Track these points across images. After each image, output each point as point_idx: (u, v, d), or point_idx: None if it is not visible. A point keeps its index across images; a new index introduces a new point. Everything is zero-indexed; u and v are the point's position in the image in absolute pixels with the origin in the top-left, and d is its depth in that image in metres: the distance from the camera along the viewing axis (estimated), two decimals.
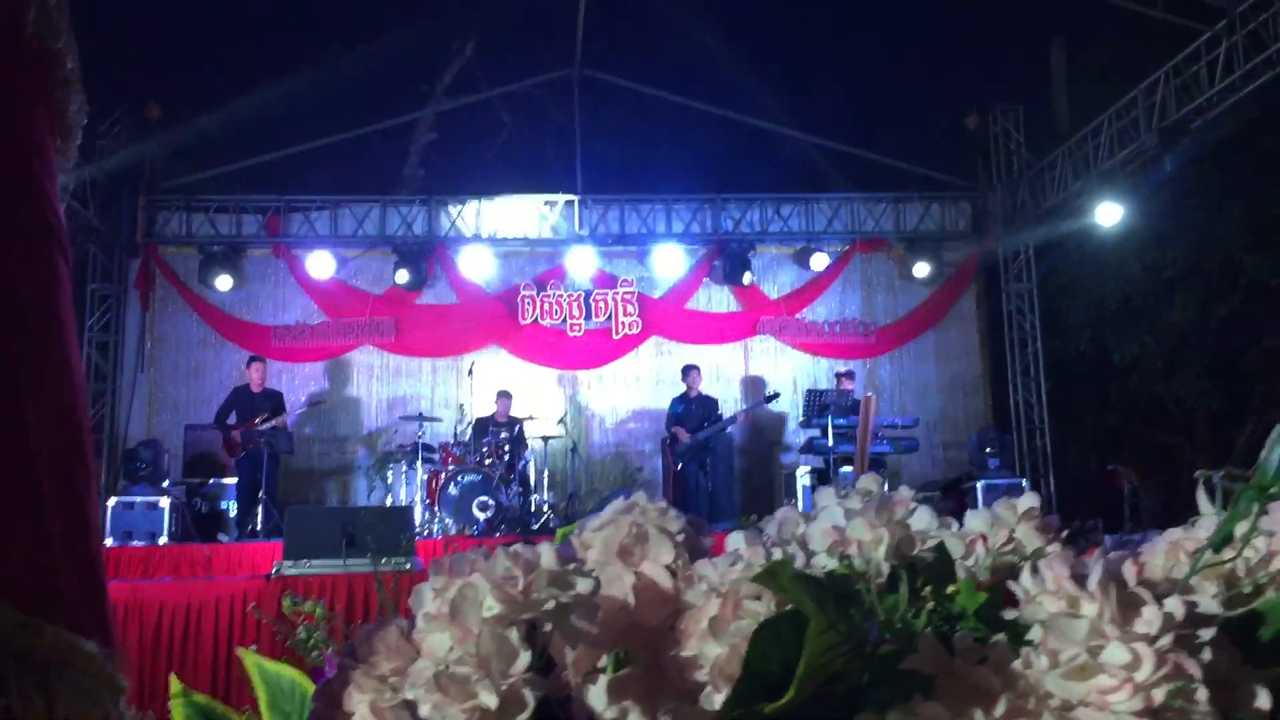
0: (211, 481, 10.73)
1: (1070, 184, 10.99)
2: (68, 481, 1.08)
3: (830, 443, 9.88)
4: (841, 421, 9.93)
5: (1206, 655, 0.56)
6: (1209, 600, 0.67)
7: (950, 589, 0.69)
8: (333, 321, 12.06)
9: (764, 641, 0.57)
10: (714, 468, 10.42)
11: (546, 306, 12.14)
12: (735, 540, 0.71)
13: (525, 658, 0.60)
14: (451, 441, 10.53)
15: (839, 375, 11.07)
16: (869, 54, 11.80)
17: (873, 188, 12.58)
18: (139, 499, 9.57)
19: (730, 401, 11.99)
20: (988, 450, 10.64)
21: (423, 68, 12.25)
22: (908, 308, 12.51)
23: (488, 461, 10.00)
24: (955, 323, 12.58)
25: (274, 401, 10.54)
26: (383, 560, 6.02)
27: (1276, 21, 8.14)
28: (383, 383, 12.12)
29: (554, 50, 11.83)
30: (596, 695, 0.66)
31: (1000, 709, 0.56)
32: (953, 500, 10.80)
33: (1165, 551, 0.83)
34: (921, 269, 12.20)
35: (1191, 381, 12.94)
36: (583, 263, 11.87)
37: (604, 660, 0.69)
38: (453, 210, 12.24)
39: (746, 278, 11.99)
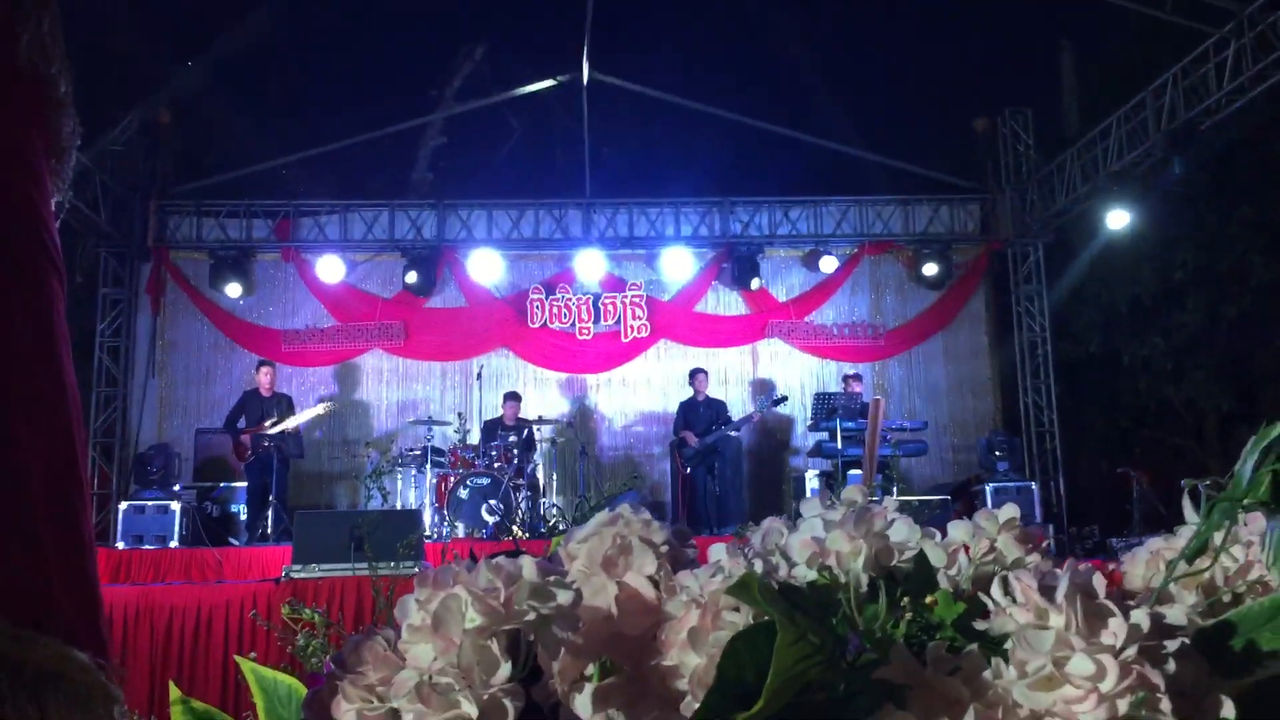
0: (222, 485, 10.77)
1: (1079, 186, 10.97)
2: (62, 497, 1.10)
3: (839, 446, 9.87)
4: (850, 425, 9.93)
5: (1171, 666, 0.57)
6: (1180, 611, 0.68)
7: (929, 599, 0.70)
8: (342, 326, 12.11)
9: (737, 652, 0.58)
10: (722, 471, 10.42)
11: (555, 310, 12.17)
12: (717, 551, 0.72)
13: (506, 668, 0.61)
14: (460, 445, 10.55)
15: (847, 378, 11.07)
16: (878, 57, 11.82)
17: (881, 190, 12.59)
18: (150, 503, 9.62)
19: (739, 404, 11.99)
20: (996, 453, 10.62)
21: (432, 72, 12.29)
22: (917, 310, 12.50)
23: (497, 465, 10.02)
24: (964, 325, 12.56)
25: (283, 406, 10.57)
26: (391, 564, 6.05)
27: None
28: (392, 386, 12.17)
29: (562, 54, 11.85)
30: (582, 703, 0.68)
31: (969, 719, 0.57)
32: (962, 503, 10.78)
33: (1145, 560, 0.84)
34: (930, 271, 12.19)
35: (1201, 384, 12.89)
36: (591, 266, 11.89)
37: (590, 669, 0.71)
38: (462, 214, 12.28)
39: (755, 281, 11.99)
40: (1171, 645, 0.57)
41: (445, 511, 9.79)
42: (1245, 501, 0.68)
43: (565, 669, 0.69)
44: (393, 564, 6.03)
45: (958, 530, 0.81)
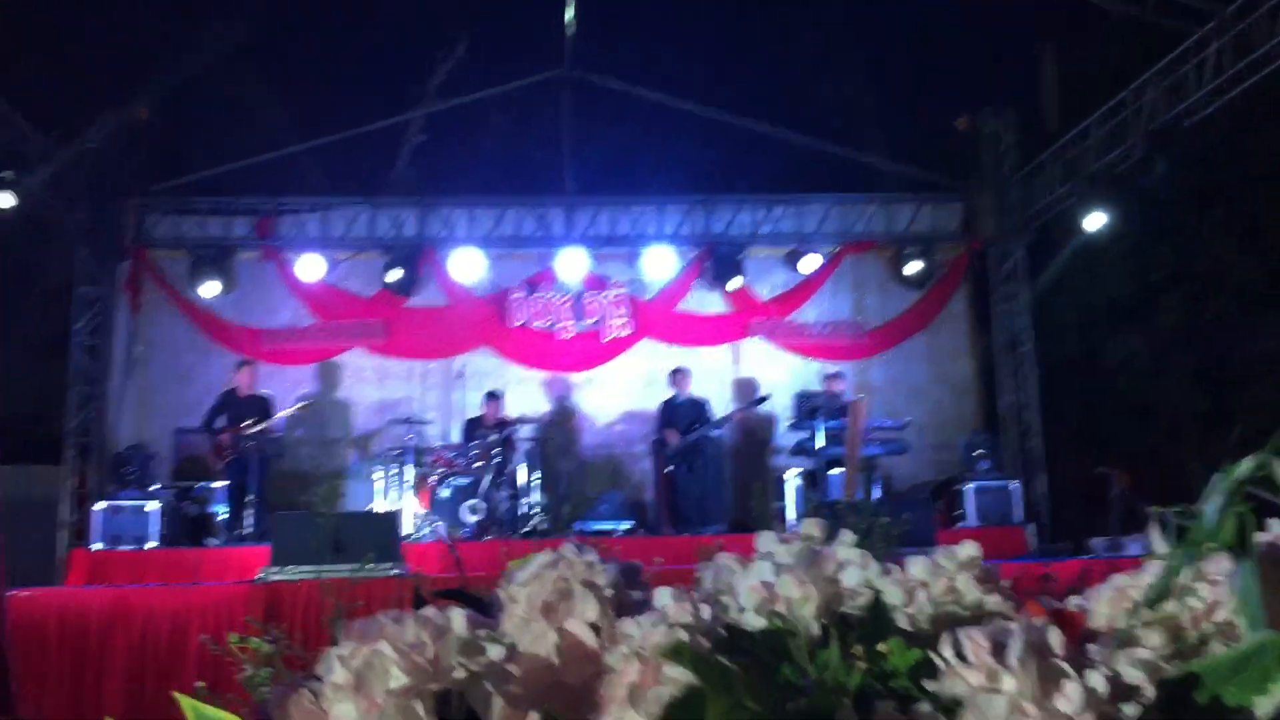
0: (200, 485, 10.69)
1: (1059, 186, 10.98)
2: None
3: (820, 445, 9.86)
4: (832, 424, 9.93)
5: None
6: (1144, 655, 0.66)
7: (883, 647, 0.67)
8: (323, 324, 12.04)
9: None
10: (704, 470, 10.41)
11: (537, 309, 12.13)
12: (663, 597, 0.69)
13: None
14: (441, 444, 10.50)
15: (828, 377, 11.07)
16: (859, 55, 11.75)
17: (863, 189, 12.58)
18: (127, 503, 9.55)
19: (721, 403, 11.95)
20: (978, 452, 10.63)
21: (413, 68, 12.19)
22: (899, 309, 12.51)
23: (477, 465, 9.98)
24: (946, 324, 12.57)
25: (262, 406, 10.50)
26: (370, 566, 6.01)
27: (1264, 24, 8.14)
28: (373, 385, 12.10)
29: (544, 51, 11.80)
30: None
31: None
32: (944, 503, 10.80)
33: (1110, 599, 0.82)
34: (912, 270, 12.20)
35: (1179, 385, 12.92)
36: (573, 265, 11.84)
37: (532, 718, 0.68)
38: (443, 212, 12.22)
39: (734, 281, 11.97)
40: (1131, 710, 0.54)
41: (427, 511, 9.75)
42: (1209, 545, 0.66)
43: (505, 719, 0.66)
44: (371, 566, 5.99)
45: (916, 568, 0.78)
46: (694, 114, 12.08)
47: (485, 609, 0.74)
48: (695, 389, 11.40)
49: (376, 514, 8.86)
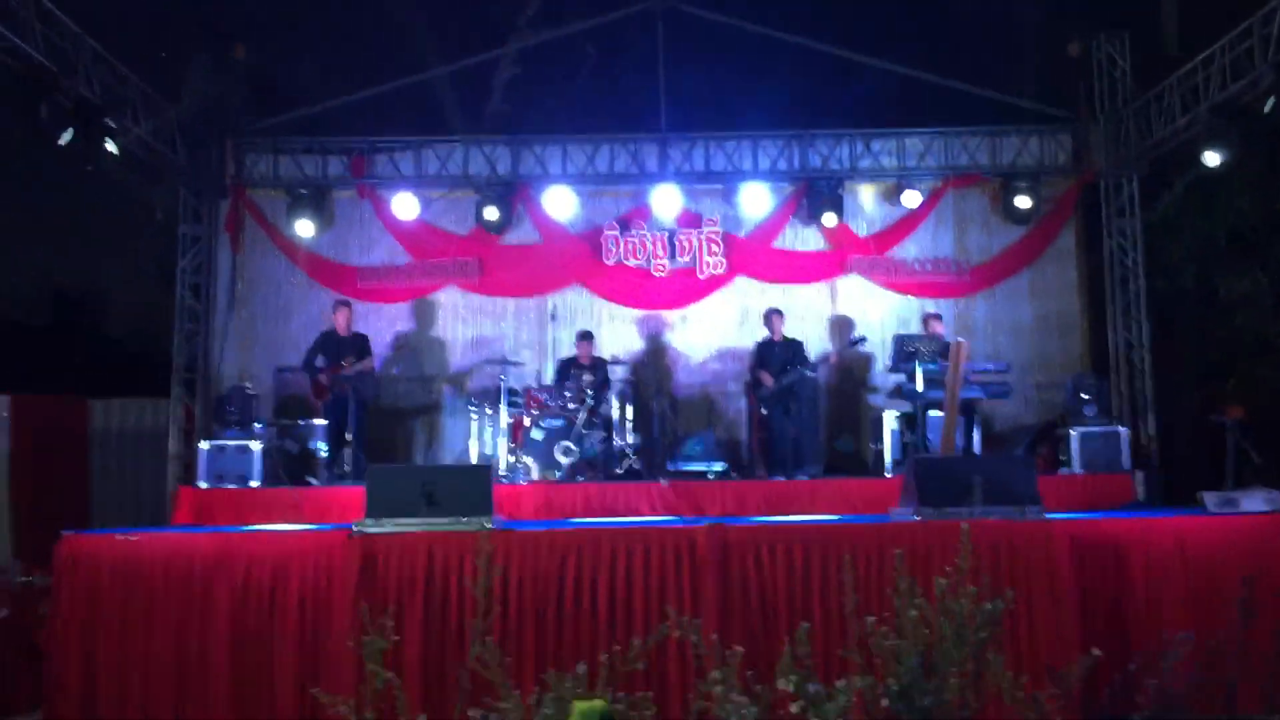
0: (301, 422, 10.91)
1: (1178, 117, 10.42)
2: None
3: (919, 388, 9.64)
4: (931, 367, 9.69)
5: None
6: None
7: None
8: (418, 262, 12.10)
9: None
10: (798, 412, 10.26)
11: (630, 246, 12.01)
12: None
13: None
14: (535, 385, 10.53)
15: (927, 317, 10.80)
16: None
17: (968, 120, 12.12)
18: (230, 443, 9.77)
19: (817, 341, 11.80)
20: (1084, 395, 10.29)
21: (506, 2, 12.05)
22: (1003, 245, 12.10)
23: (571, 405, 9.99)
24: (1053, 260, 12.13)
25: (359, 346, 10.64)
26: (463, 519, 6.05)
27: None
28: (467, 323, 12.17)
29: None
30: None
31: None
32: (1047, 448, 10.52)
33: None
34: (1018, 205, 11.78)
35: None
36: (667, 202, 11.67)
37: None
38: (536, 149, 12.13)
39: (829, 217, 11.69)
40: None
41: (520, 452, 9.80)
42: None
43: None
44: (464, 519, 6.03)
45: None
46: (791, 44, 11.73)
47: None
48: (791, 326, 11.25)
49: (469, 466, 8.94)
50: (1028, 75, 12.13)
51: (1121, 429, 10.20)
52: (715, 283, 12.04)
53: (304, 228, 11.87)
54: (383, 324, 11.98)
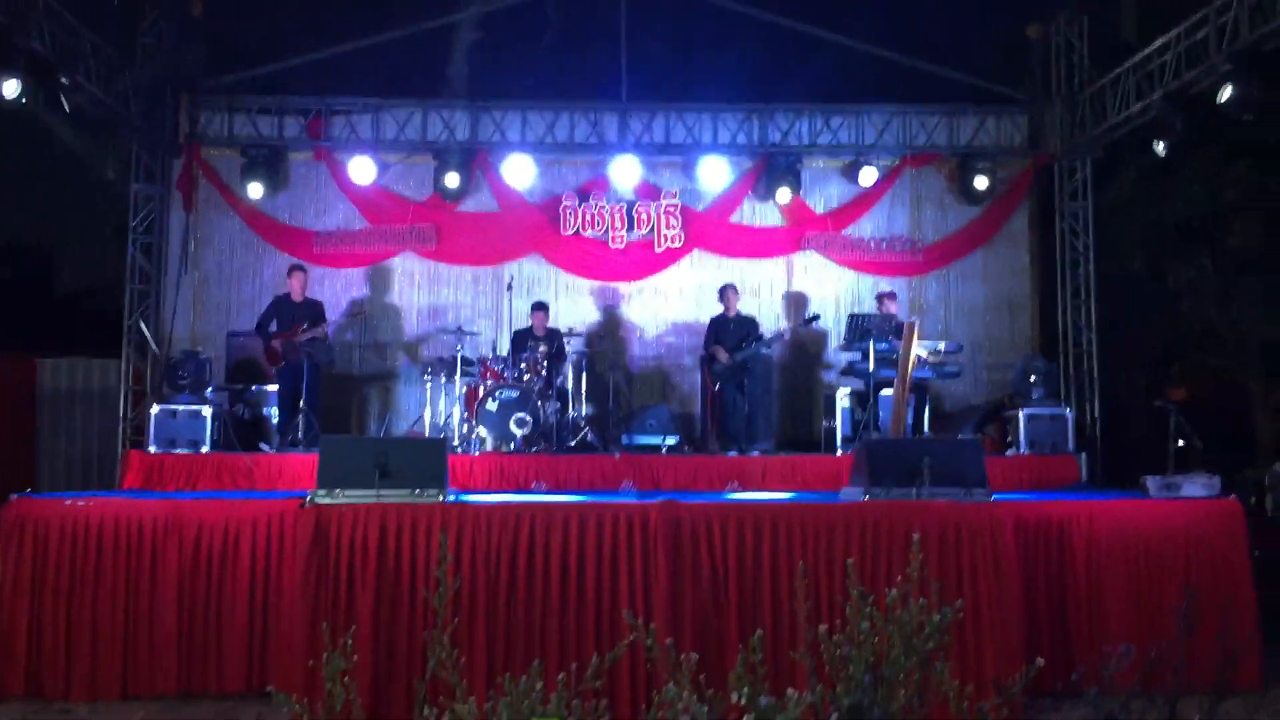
0: (254, 388, 10.83)
1: (1133, 102, 10.55)
2: None
3: (871, 367, 9.74)
4: (883, 346, 9.79)
5: None
6: None
7: None
8: (374, 228, 12.02)
9: None
10: (752, 389, 10.34)
11: (588, 217, 11.99)
12: None
13: None
14: (491, 356, 10.51)
15: (881, 297, 10.89)
16: None
17: (926, 99, 12.20)
18: (181, 408, 9.68)
19: (772, 317, 11.89)
20: (1032, 378, 10.45)
21: None
22: (957, 225, 12.24)
23: (526, 377, 9.99)
24: (1005, 241, 12.29)
25: (314, 311, 10.56)
26: (415, 491, 6.06)
27: None
28: (423, 291, 12.12)
29: None
30: None
31: None
32: (995, 428, 10.68)
33: None
34: (974, 185, 11.89)
35: (1248, 307, 12.59)
36: (626, 173, 11.67)
37: None
38: (495, 116, 12.06)
39: (785, 193, 11.76)
40: None
41: (474, 422, 9.80)
42: None
43: None
44: (416, 491, 6.04)
45: None
46: (753, 18, 11.67)
47: None
48: (747, 302, 11.33)
49: (424, 439, 8.93)
50: (987, 56, 12.17)
51: (1067, 410, 10.36)
52: (672, 256, 12.07)
53: (259, 189, 11.74)
54: (338, 289, 11.91)
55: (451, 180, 11.67)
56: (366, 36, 11.83)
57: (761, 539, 5.89)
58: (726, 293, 10.84)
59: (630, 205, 12.00)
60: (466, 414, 10.08)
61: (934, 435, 10.26)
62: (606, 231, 12.00)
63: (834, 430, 10.56)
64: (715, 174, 11.85)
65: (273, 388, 10.62)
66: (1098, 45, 11.80)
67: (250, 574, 6.39)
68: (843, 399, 10.56)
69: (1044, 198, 12.33)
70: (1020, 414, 10.07)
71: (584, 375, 10.80)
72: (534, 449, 9.60)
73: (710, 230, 12.11)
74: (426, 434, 10.30)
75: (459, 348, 10.36)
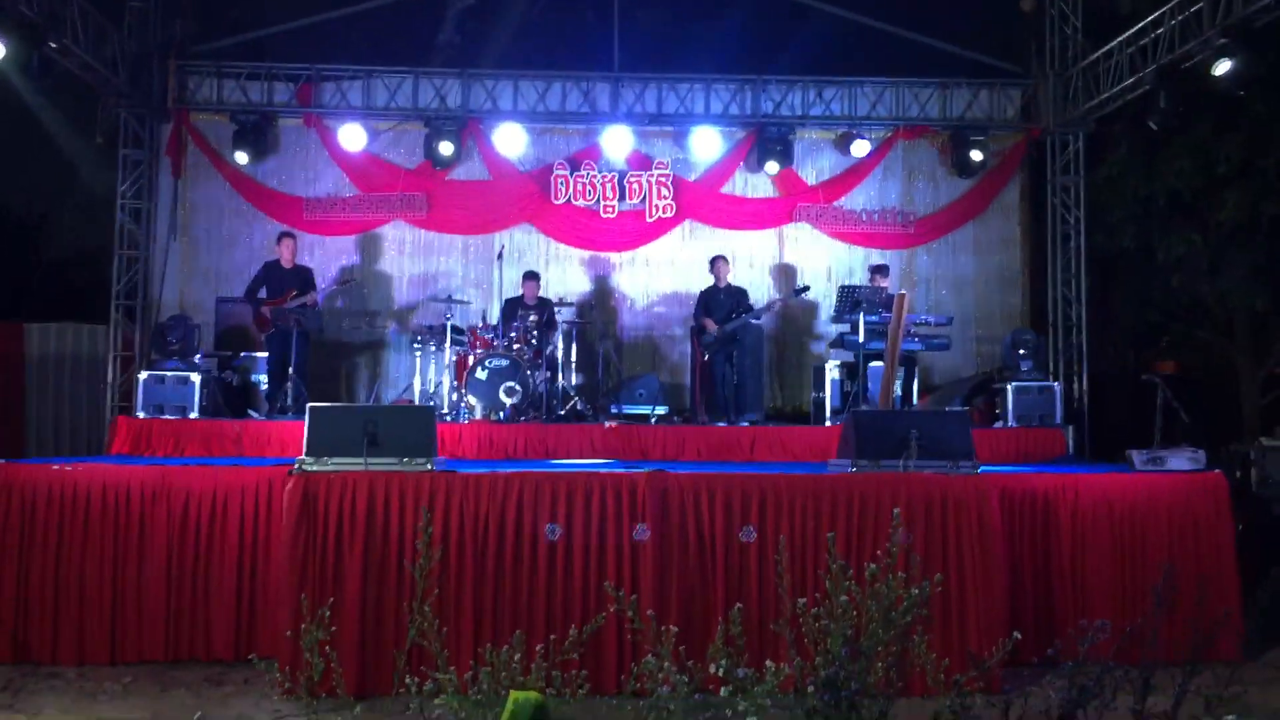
0: (243, 355, 10.82)
1: (1126, 76, 10.53)
2: None
3: (861, 339, 9.75)
4: (873, 318, 9.78)
5: None
6: None
7: None
8: (364, 195, 11.97)
9: None
10: (740, 360, 10.34)
11: (580, 186, 11.97)
12: None
13: None
14: (481, 324, 10.50)
15: (873, 270, 10.88)
16: None
17: (919, 72, 12.16)
18: (169, 373, 9.66)
19: (763, 288, 11.89)
20: (1021, 351, 10.47)
21: None
22: (949, 198, 12.23)
23: (516, 346, 9.98)
24: (997, 215, 12.30)
25: (303, 278, 10.54)
26: (405, 460, 6.06)
27: None
28: (413, 259, 12.09)
29: None
30: None
31: None
32: (983, 400, 10.71)
33: None
34: (966, 158, 11.88)
35: (1237, 281, 12.58)
36: (618, 142, 11.63)
37: None
38: (487, 84, 11.98)
39: (774, 166, 11.75)
40: None
41: (464, 391, 9.80)
42: None
43: None
44: (405, 460, 6.04)
45: None
46: None
47: None
48: (738, 273, 11.33)
49: (412, 407, 8.90)
50: (980, 29, 12.14)
51: (1055, 384, 10.39)
52: (663, 226, 12.05)
53: (248, 155, 11.69)
54: (328, 257, 11.87)
55: (446, 148, 11.61)
56: (357, 3, 11.77)
57: (749, 510, 5.90)
58: (717, 263, 10.83)
59: (622, 175, 11.97)
60: (456, 383, 10.08)
61: (922, 407, 10.28)
62: (598, 201, 11.98)
63: (823, 402, 10.58)
64: (707, 145, 11.81)
65: (262, 354, 10.63)
66: (1092, 19, 11.76)
67: (239, 541, 6.39)
68: (832, 371, 10.58)
69: (1036, 171, 12.33)
70: (1008, 387, 10.10)
71: (574, 345, 10.81)
72: (523, 418, 9.60)
73: (702, 201, 12.09)
74: (415, 402, 10.30)
75: (449, 316, 10.35)
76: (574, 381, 10.60)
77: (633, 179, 11.98)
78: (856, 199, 12.15)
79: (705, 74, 12.06)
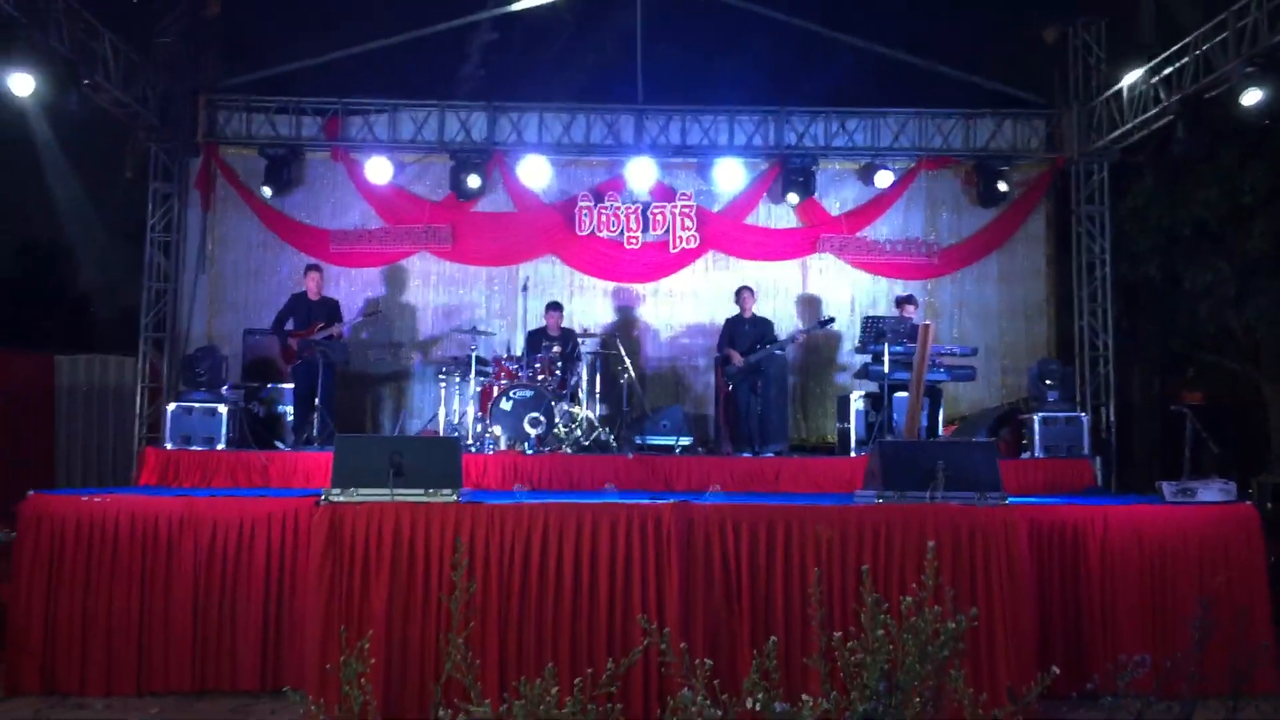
0: (270, 386, 10.88)
1: (1151, 106, 10.52)
2: None
3: (886, 369, 9.71)
4: (898, 349, 9.75)
5: None
6: None
7: None
8: (390, 227, 12.07)
9: None
10: (765, 390, 10.33)
11: (604, 218, 12.02)
12: None
13: None
14: (505, 355, 10.53)
15: (900, 301, 10.84)
16: None
17: (943, 102, 12.18)
18: (197, 405, 9.71)
19: (787, 319, 11.88)
20: (1047, 382, 10.40)
21: None
22: (973, 228, 12.21)
23: (540, 377, 10.00)
24: (1021, 244, 12.27)
25: (330, 310, 10.60)
26: (431, 491, 6.07)
27: None
28: (438, 290, 12.16)
29: None
30: None
31: None
32: (1010, 431, 10.64)
33: None
34: (990, 188, 11.87)
35: (1264, 310, 12.50)
36: (642, 174, 11.69)
37: None
38: (512, 117, 12.08)
39: (802, 195, 11.79)
40: None
41: (488, 422, 9.82)
42: None
43: None
44: (430, 491, 6.05)
45: None
46: (769, 20, 11.70)
47: None
48: (762, 304, 11.30)
49: (438, 438, 8.94)
50: (1004, 59, 12.16)
51: (1083, 415, 10.32)
52: (687, 257, 12.08)
53: (276, 188, 11.81)
54: (354, 288, 11.95)
55: (470, 181, 11.71)
56: (384, 37, 11.91)
57: (775, 541, 5.88)
58: (742, 294, 10.83)
59: (646, 206, 12.02)
60: (480, 413, 10.10)
61: (947, 438, 10.22)
62: (622, 232, 12.03)
63: (848, 432, 10.54)
64: (731, 176, 11.85)
65: (288, 385, 10.67)
66: (1115, 48, 11.77)
67: (265, 572, 6.41)
68: (857, 401, 10.54)
69: (1061, 201, 12.31)
70: (1035, 418, 10.04)
71: (598, 375, 10.81)
72: (548, 449, 9.60)
73: (725, 232, 12.12)
74: (441, 433, 10.32)
75: (473, 347, 10.38)
76: (598, 412, 10.60)
77: (656, 210, 12.03)
78: (880, 229, 12.16)
79: (729, 105, 12.13)
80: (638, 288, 12.14)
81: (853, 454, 10.11)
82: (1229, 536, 6.54)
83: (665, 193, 12.04)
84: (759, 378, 10.33)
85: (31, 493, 6.58)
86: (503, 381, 10.04)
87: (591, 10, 11.70)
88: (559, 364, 10.20)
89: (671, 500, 6.06)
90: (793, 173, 11.82)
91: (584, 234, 12.02)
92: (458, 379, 10.65)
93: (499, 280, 12.13)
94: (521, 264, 12.04)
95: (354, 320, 11.24)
